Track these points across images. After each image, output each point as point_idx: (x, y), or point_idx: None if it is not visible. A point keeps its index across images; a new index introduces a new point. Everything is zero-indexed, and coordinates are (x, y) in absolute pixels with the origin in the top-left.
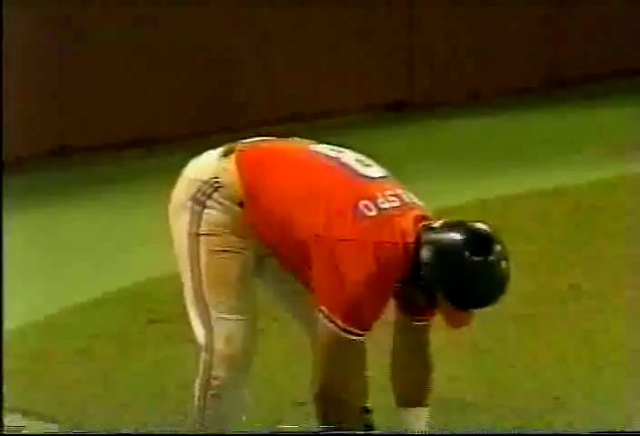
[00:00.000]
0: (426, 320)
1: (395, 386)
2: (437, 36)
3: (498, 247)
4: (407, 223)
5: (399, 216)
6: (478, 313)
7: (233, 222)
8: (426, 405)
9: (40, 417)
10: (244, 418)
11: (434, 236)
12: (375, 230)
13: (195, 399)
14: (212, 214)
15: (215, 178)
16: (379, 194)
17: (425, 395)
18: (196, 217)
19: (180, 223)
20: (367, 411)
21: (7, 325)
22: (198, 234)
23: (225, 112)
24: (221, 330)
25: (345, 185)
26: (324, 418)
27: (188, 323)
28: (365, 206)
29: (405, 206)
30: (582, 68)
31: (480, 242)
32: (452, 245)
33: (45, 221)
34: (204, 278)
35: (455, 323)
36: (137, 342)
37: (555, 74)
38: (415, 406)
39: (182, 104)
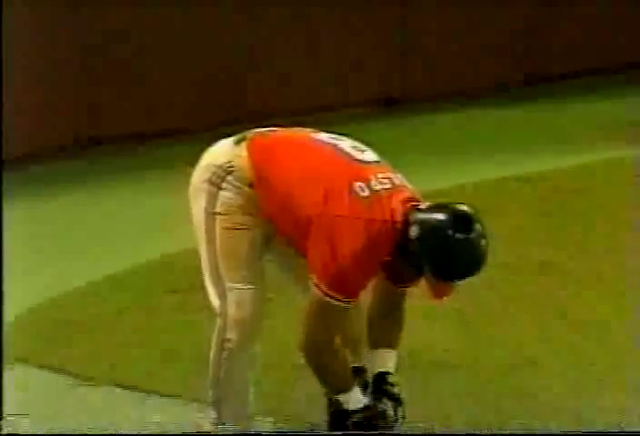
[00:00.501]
0: (407, 287)
1: (369, 332)
2: (428, 38)
3: (478, 226)
4: (396, 204)
5: (389, 197)
6: (461, 283)
7: (244, 202)
8: (394, 348)
9: (70, 374)
10: (252, 374)
11: (421, 216)
12: (367, 208)
13: (211, 358)
14: (226, 195)
15: (229, 163)
16: (372, 177)
17: (394, 339)
18: (212, 198)
19: (198, 204)
20: (363, 370)
21: (42, 295)
22: (214, 213)
23: (237, 105)
24: (233, 298)
25: (342, 169)
26: (313, 370)
27: (204, 293)
28: (360, 187)
29: (395, 188)
30: (560, 65)
31: (462, 222)
32: (437, 224)
33: (73, 206)
34: (218, 252)
35: (438, 294)
36: (159, 310)
37: (535, 70)
38: (384, 347)
39: (198, 98)
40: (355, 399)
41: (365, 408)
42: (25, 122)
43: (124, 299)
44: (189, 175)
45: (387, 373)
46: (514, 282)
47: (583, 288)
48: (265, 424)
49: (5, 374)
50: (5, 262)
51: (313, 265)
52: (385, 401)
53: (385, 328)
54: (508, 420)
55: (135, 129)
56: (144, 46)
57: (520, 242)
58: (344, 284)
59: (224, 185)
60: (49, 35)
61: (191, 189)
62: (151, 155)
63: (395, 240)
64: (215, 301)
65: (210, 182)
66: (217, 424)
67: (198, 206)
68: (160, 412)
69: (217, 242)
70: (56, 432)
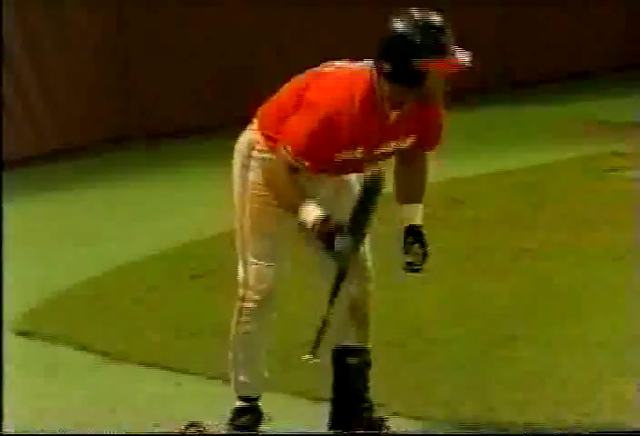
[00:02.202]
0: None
1: (397, 189)
2: None
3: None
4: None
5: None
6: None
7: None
8: (420, 202)
9: (96, 352)
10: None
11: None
12: (343, 68)
13: (232, 323)
14: (254, 174)
15: (247, 140)
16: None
17: (418, 194)
18: (243, 179)
19: (235, 186)
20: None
21: (70, 278)
22: (244, 193)
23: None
24: (254, 271)
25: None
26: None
27: (222, 278)
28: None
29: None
30: (531, 72)
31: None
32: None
33: (107, 195)
34: (246, 229)
35: (447, 70)
36: (181, 293)
37: (509, 75)
38: (413, 202)
39: (220, 97)
40: (311, 209)
41: (321, 221)
42: (58, 119)
43: (147, 283)
44: (214, 169)
45: (415, 225)
46: (496, 263)
47: (558, 264)
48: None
49: (36, 352)
50: (36, 245)
51: (283, 132)
52: (415, 247)
53: (409, 184)
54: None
55: (166, 126)
56: (187, 49)
57: (500, 228)
58: (304, 145)
59: (251, 163)
60: (110, 36)
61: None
62: (179, 150)
63: (372, 85)
64: (240, 271)
65: (241, 164)
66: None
67: (234, 187)
68: (179, 389)
69: (246, 220)
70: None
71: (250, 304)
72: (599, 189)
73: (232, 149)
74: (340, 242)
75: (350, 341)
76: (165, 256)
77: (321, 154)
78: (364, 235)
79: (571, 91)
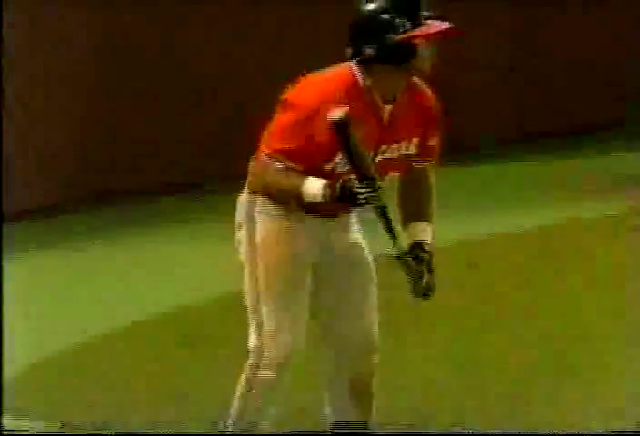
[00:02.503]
0: (422, 161)
1: (403, 212)
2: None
3: None
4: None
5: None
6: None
7: (280, 224)
8: (428, 220)
9: (76, 427)
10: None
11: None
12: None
13: (238, 394)
14: (261, 226)
15: (248, 198)
16: None
17: (425, 210)
18: (251, 233)
19: (243, 241)
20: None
21: (52, 346)
22: (254, 248)
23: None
24: (269, 337)
25: None
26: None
27: (214, 347)
28: None
29: None
30: (544, 126)
31: None
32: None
33: (91, 257)
34: (261, 282)
35: (432, 35)
36: (168, 363)
37: (530, 128)
38: (417, 220)
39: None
40: (311, 182)
41: (329, 186)
42: (46, 175)
43: (132, 351)
44: (207, 225)
45: (422, 242)
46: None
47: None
48: None
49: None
50: (20, 311)
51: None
52: (416, 265)
53: (414, 202)
54: None
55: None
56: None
57: (516, 293)
58: (283, 142)
59: (256, 215)
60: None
61: (235, 228)
62: (171, 209)
63: (356, 79)
64: (252, 338)
65: (247, 218)
66: None
67: (243, 245)
68: None
69: (260, 271)
70: None
71: (264, 376)
72: (619, 250)
73: (219, 207)
74: (359, 191)
75: (352, 419)
76: (152, 323)
77: (307, 158)
78: (370, 168)
79: (584, 145)
